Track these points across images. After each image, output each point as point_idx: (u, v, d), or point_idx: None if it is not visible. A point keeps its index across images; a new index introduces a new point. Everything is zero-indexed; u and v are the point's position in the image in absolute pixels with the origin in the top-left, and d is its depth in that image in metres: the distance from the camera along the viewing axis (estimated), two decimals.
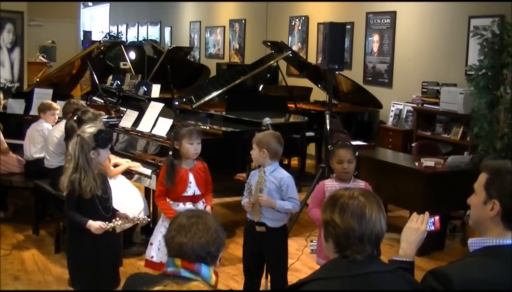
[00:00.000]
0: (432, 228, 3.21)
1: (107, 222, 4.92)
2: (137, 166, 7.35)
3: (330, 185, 5.35)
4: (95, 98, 11.41)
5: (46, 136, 8.19)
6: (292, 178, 5.52)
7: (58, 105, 8.52)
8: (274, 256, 5.59)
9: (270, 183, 5.39)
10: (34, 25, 14.41)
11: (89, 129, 5.07)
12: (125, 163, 7.38)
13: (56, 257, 7.39)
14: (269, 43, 11.93)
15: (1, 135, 8.51)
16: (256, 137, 5.54)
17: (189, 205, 5.55)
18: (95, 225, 4.92)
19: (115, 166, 7.31)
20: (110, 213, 5.18)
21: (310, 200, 5.69)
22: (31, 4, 12.26)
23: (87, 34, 21.30)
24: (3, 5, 11.36)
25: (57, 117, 8.37)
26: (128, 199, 5.74)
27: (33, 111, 9.45)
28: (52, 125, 8.28)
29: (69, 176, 4.97)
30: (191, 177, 5.62)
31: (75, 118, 6.77)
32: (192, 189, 5.63)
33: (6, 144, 8.53)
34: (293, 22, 14.68)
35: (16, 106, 9.64)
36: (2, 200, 8.83)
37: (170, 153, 5.67)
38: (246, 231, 5.75)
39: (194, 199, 5.65)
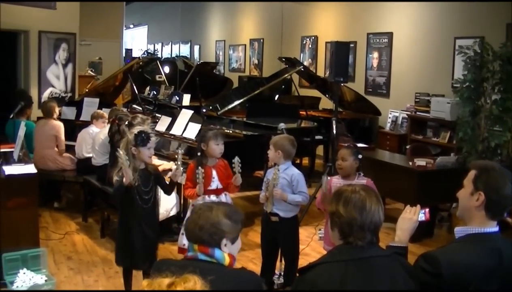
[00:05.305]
0: (423, 218, 3.20)
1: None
2: (171, 165, 7.36)
3: (336, 181, 5.33)
4: (134, 106, 11.40)
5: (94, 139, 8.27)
6: (302, 175, 5.52)
7: (106, 114, 8.60)
8: (286, 242, 5.60)
9: (283, 179, 5.39)
10: (84, 44, 14.47)
11: (134, 130, 5.16)
12: (169, 164, 7.37)
13: (101, 241, 7.43)
14: (283, 59, 11.91)
15: (63, 138, 8.59)
16: (273, 139, 5.55)
17: (213, 197, 5.57)
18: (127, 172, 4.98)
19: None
20: (148, 204, 5.22)
21: (318, 194, 5.69)
22: (82, 26, 12.32)
23: (128, 51, 21.32)
24: (59, 28, 11.44)
25: (106, 124, 8.45)
26: (163, 194, 5.77)
27: (83, 117, 9.52)
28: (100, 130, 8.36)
29: (118, 167, 5.10)
30: (214, 173, 5.65)
31: (126, 123, 6.83)
32: (215, 183, 5.65)
33: (64, 146, 8.60)
34: (304, 41, 14.67)
35: (69, 113, 9.71)
36: (56, 193, 8.88)
37: (199, 153, 5.68)
38: (262, 221, 5.76)
39: (217, 192, 5.67)
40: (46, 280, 5.55)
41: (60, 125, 8.60)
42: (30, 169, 6.28)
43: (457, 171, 7.59)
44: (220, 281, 2.51)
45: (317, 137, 10.16)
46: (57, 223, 8.07)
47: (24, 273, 5.47)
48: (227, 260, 2.85)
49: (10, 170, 6.10)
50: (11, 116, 8.43)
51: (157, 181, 5.35)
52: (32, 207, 6.10)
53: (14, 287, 5.38)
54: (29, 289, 5.39)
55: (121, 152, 4.97)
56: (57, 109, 8.86)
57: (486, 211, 2.88)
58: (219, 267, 2.79)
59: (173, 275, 2.09)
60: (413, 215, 3.17)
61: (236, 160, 5.43)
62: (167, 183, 5.51)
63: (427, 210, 3.23)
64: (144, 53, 24.23)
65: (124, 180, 4.99)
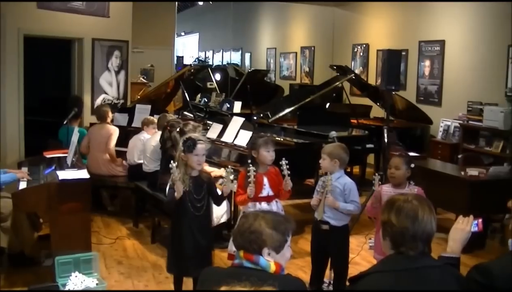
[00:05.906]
0: (476, 229, 3.15)
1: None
2: (222, 172, 7.37)
3: (387, 189, 5.31)
4: (186, 113, 11.50)
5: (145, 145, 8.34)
6: (354, 184, 5.50)
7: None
8: (336, 251, 5.56)
9: (336, 187, 5.37)
10: (136, 52, 14.63)
11: (184, 137, 5.23)
12: (219, 170, 7.40)
13: (152, 246, 7.49)
14: (334, 67, 11.88)
15: (113, 143, 8.71)
16: (326, 149, 5.51)
17: (264, 204, 5.56)
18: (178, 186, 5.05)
19: None
20: (201, 212, 5.23)
21: (369, 200, 5.67)
22: (135, 34, 12.47)
23: (180, 59, 21.44)
24: (112, 35, 11.60)
25: (156, 130, 8.53)
26: None
27: (135, 124, 9.62)
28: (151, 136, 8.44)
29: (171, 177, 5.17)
30: (265, 180, 5.63)
31: (177, 129, 6.89)
32: (266, 190, 5.63)
33: (112, 150, 8.71)
34: (356, 49, 14.62)
35: (121, 119, 9.84)
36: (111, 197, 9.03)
37: (249, 161, 5.69)
38: (313, 229, 5.75)
39: (268, 199, 5.65)
40: (97, 284, 5.63)
41: (115, 130, 8.75)
42: (83, 174, 6.37)
43: (510, 181, 7.48)
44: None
45: (368, 145, 10.09)
46: (108, 228, 8.18)
47: (76, 276, 5.55)
48: (272, 268, 2.83)
49: (64, 174, 6.20)
50: (65, 122, 8.58)
51: (209, 190, 5.36)
52: (85, 211, 6.18)
53: (66, 290, 5.47)
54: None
55: (174, 165, 5.04)
56: (110, 114, 9.01)
57: None
58: (263, 273, 2.77)
59: (251, 285, 2.10)
60: (466, 226, 3.13)
61: (284, 162, 5.46)
62: (219, 194, 5.52)
63: (480, 220, 3.18)
64: (195, 61, 24.41)
65: (175, 193, 5.05)
